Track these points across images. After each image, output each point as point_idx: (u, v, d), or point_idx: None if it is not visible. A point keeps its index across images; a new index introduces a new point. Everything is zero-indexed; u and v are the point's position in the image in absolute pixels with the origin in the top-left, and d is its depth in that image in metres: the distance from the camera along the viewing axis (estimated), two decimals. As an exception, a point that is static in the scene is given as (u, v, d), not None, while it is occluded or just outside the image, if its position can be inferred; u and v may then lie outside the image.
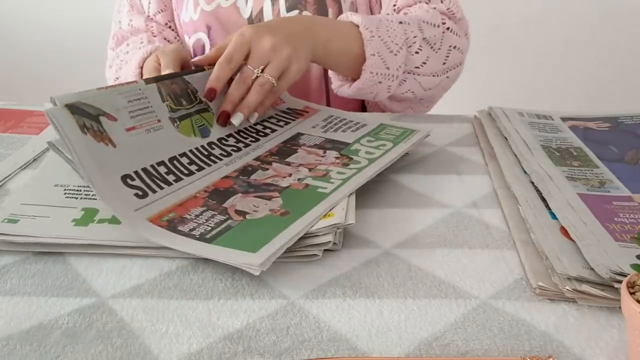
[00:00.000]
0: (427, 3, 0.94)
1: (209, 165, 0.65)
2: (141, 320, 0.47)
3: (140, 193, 0.57)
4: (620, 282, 0.44)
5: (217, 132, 0.71)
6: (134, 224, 0.54)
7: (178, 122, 0.67)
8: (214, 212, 0.57)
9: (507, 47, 2.19)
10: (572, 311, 0.47)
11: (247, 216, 0.57)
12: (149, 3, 1.03)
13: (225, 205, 0.59)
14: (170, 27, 1.05)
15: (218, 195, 0.61)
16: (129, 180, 0.58)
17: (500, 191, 0.65)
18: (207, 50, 1.01)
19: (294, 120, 0.80)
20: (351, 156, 0.70)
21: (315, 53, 0.80)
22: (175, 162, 0.63)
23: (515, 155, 0.72)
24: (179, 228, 0.54)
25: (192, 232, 0.54)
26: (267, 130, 0.76)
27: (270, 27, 0.76)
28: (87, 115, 0.58)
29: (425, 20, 0.90)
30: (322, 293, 0.50)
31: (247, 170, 0.66)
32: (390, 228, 0.59)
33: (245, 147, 0.71)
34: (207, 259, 0.54)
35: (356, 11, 0.97)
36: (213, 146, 0.69)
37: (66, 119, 0.56)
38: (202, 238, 0.53)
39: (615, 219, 0.57)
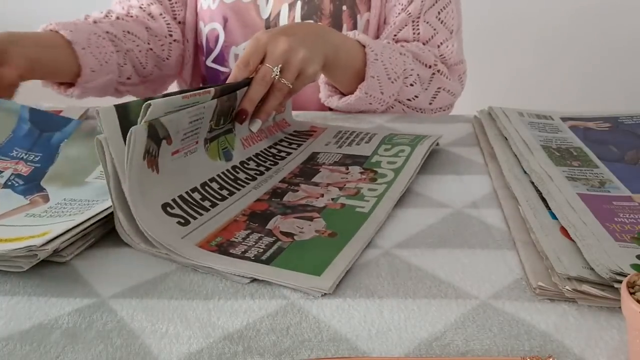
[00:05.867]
0: (424, 44, 0.97)
1: (238, 189, 0.64)
2: (141, 320, 0.47)
3: (182, 221, 0.56)
4: (620, 282, 0.44)
5: (238, 155, 0.70)
6: (185, 251, 0.53)
7: (209, 144, 0.65)
8: (260, 235, 0.56)
9: (507, 47, 2.19)
10: (572, 311, 0.47)
11: (295, 237, 0.56)
12: None
13: (268, 227, 0.58)
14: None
15: (258, 217, 0.60)
16: (168, 209, 0.56)
17: (500, 191, 0.65)
18: (221, 42, 1.03)
19: (304, 141, 0.80)
20: (375, 169, 0.70)
21: (326, 59, 0.80)
22: (206, 187, 0.62)
23: (515, 155, 0.72)
24: (230, 251, 0.54)
25: (245, 255, 0.53)
26: (283, 154, 0.76)
27: (285, 30, 0.76)
28: (155, 139, 0.55)
29: (419, 58, 0.93)
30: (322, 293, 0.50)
31: (277, 193, 0.65)
32: (390, 228, 0.59)
33: (267, 170, 0.70)
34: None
35: (368, 30, 0.99)
36: (237, 170, 0.68)
37: (140, 140, 0.53)
38: (258, 260, 0.52)
39: (615, 219, 0.57)
